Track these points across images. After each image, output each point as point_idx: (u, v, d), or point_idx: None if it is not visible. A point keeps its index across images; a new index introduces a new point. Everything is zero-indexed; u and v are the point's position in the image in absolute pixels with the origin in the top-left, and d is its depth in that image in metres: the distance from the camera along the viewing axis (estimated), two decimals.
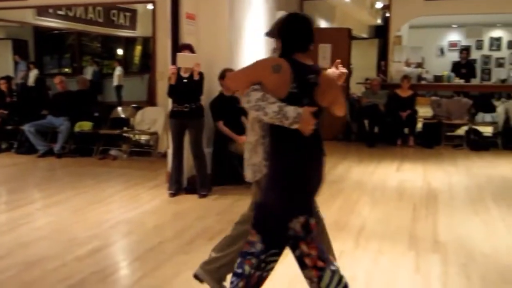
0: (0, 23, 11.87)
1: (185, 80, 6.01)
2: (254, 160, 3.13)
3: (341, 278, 2.92)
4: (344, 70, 3.18)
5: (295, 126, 2.73)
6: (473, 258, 4.18)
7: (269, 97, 2.80)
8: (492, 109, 10.57)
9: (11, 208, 5.89)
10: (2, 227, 5.08)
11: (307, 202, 2.95)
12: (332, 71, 3.16)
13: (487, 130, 10.10)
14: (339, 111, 3.08)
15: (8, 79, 10.38)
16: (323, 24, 12.63)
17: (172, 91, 6.09)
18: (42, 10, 11.17)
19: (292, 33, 2.92)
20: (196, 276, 3.37)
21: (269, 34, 3.17)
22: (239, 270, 2.82)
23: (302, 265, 2.88)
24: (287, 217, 2.86)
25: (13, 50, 12.42)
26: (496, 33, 16.52)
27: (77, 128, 8.99)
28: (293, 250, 2.90)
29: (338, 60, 3.26)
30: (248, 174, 3.17)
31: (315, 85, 2.85)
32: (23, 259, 4.19)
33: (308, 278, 2.88)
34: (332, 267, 2.89)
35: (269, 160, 2.95)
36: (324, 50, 10.61)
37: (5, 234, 4.86)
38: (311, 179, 2.93)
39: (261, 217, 2.93)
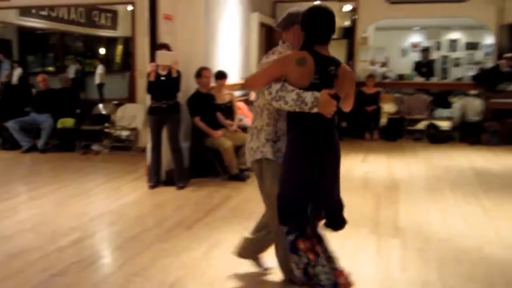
0: None
1: (163, 78, 5.99)
2: (252, 145, 3.23)
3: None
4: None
5: (315, 110, 2.76)
6: (430, 243, 4.27)
7: (288, 86, 2.85)
8: (449, 105, 10.75)
9: None
10: None
11: (319, 188, 2.91)
12: None
13: (445, 125, 10.22)
14: (348, 106, 3.15)
15: None
16: None
17: (151, 88, 6.05)
18: (25, 11, 10.97)
19: (316, 25, 2.91)
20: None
21: (278, 26, 3.21)
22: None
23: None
24: (308, 198, 2.87)
25: None
26: (454, 35, 16.72)
27: (59, 125, 8.89)
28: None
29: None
30: (246, 157, 3.28)
31: (335, 77, 2.89)
32: (6, 251, 4.14)
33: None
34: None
35: (287, 147, 2.99)
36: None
37: None
38: (325, 165, 2.92)
39: (282, 208, 2.91)
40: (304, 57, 2.83)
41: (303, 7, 3.16)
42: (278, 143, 3.16)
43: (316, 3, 11.94)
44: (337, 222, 3.12)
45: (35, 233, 4.59)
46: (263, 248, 3.56)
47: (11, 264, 3.84)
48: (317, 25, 2.92)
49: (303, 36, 2.97)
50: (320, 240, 3.00)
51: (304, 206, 2.86)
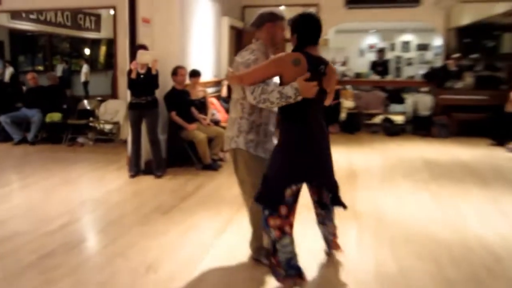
0: None
1: (142, 76, 5.98)
2: (228, 133, 3.32)
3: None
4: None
5: (299, 98, 2.87)
6: (384, 224, 4.32)
7: (267, 88, 2.94)
8: (402, 101, 10.89)
9: None
10: None
11: (306, 172, 3.07)
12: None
13: (399, 119, 10.31)
14: (329, 100, 3.33)
15: None
16: None
17: (132, 85, 6.04)
18: (16, 14, 10.81)
19: (307, 29, 3.04)
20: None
21: (252, 25, 3.30)
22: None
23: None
24: (286, 184, 3.00)
25: None
26: (406, 37, 16.90)
27: (48, 119, 8.79)
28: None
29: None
30: (225, 144, 3.35)
31: (324, 75, 3.00)
32: None
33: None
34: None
35: (279, 135, 3.11)
36: None
37: None
38: (311, 152, 3.04)
39: (264, 188, 3.06)
40: (299, 58, 2.92)
41: (273, 8, 3.33)
42: (250, 134, 3.23)
43: (282, 8, 12.07)
44: (339, 199, 3.38)
45: (26, 218, 4.56)
46: None
47: (3, 246, 3.82)
48: (308, 29, 3.04)
49: (295, 39, 3.06)
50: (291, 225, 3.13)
51: (281, 189, 2.99)
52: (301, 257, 3.16)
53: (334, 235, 3.58)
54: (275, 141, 3.30)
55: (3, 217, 4.60)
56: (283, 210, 3.02)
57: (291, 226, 3.10)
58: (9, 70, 11.20)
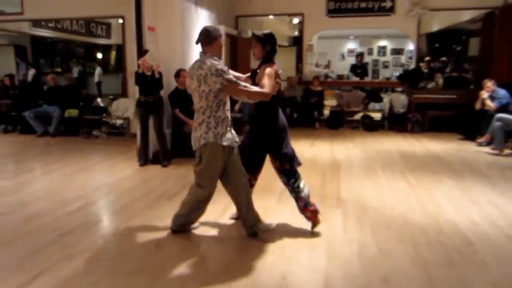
0: (4, 32, 11.42)
1: (149, 78, 5.99)
2: (196, 134, 3.36)
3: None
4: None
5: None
6: (365, 211, 4.24)
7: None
8: (380, 99, 10.88)
9: (15, 175, 5.75)
10: (8, 190, 4.98)
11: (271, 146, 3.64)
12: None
13: (377, 116, 10.28)
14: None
15: (11, 76, 10.09)
16: None
17: (138, 80, 6.01)
18: (36, 22, 10.79)
19: (274, 42, 3.55)
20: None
21: (204, 43, 3.41)
22: None
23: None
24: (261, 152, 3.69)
25: (15, 54, 11.96)
26: (382, 42, 16.91)
27: (66, 114, 8.85)
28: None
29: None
30: (192, 144, 3.41)
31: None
32: (23, 215, 4.13)
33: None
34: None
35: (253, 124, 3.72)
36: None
37: (10, 195, 4.77)
38: (276, 135, 3.62)
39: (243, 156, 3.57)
40: (277, 71, 3.45)
41: (212, 26, 3.62)
42: (217, 128, 3.33)
43: (270, 17, 12.04)
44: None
45: (47, 200, 4.58)
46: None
47: (28, 225, 3.85)
48: (275, 44, 3.56)
49: (266, 52, 3.52)
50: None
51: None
52: (290, 241, 3.17)
53: (300, 206, 3.78)
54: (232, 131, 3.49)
55: (27, 199, 4.63)
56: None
57: None
58: (31, 72, 11.20)
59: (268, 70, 3.41)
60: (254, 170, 3.76)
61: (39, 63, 12.56)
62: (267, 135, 3.60)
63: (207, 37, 3.36)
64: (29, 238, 3.57)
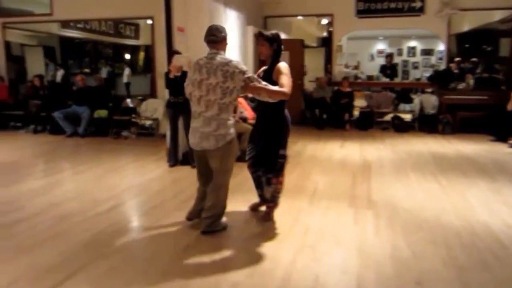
0: (33, 33, 11.64)
1: (178, 78, 5.98)
2: (220, 131, 3.50)
3: None
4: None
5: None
6: (397, 213, 4.21)
7: None
8: (410, 100, 10.75)
9: (45, 176, 5.82)
10: (40, 190, 5.03)
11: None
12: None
13: (407, 117, 10.16)
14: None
15: (40, 77, 10.22)
16: (282, 36, 12.55)
17: (169, 84, 6.03)
18: (65, 24, 10.98)
19: (281, 43, 3.77)
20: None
21: (216, 41, 3.54)
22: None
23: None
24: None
25: (44, 54, 12.18)
26: (412, 43, 16.68)
27: (96, 115, 8.94)
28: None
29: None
30: (216, 142, 3.51)
31: None
32: (55, 215, 4.17)
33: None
34: None
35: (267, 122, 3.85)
36: (284, 56, 10.43)
37: (41, 196, 4.81)
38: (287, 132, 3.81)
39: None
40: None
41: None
42: (233, 127, 3.56)
43: (299, 18, 12.01)
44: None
45: (78, 201, 4.62)
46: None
47: (60, 225, 3.88)
48: (281, 44, 3.78)
49: (273, 51, 3.72)
50: None
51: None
52: (322, 242, 3.11)
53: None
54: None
55: (58, 199, 4.67)
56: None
57: None
58: (60, 72, 11.39)
59: (284, 68, 3.61)
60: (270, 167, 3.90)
61: (67, 63, 12.78)
62: (280, 131, 3.79)
63: (220, 35, 3.50)
64: (62, 238, 3.60)
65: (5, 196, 4.76)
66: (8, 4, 10.34)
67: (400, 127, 9.63)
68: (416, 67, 16.59)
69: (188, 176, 5.67)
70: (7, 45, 10.45)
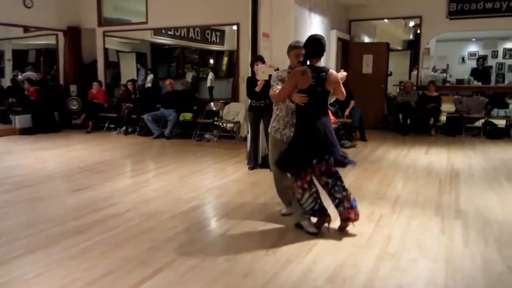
0: (128, 40, 12.46)
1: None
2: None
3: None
4: (345, 73, 3.97)
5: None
6: (489, 224, 3.98)
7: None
8: (505, 105, 10.04)
9: (135, 175, 6.20)
10: (130, 188, 5.35)
11: (316, 149, 3.65)
12: (340, 73, 3.92)
13: (501, 123, 9.54)
14: (340, 96, 3.86)
15: (133, 81, 10.87)
16: (366, 39, 12.34)
17: (252, 94, 6.07)
18: (156, 31, 11.58)
19: (309, 46, 3.70)
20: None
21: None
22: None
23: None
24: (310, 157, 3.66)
25: (136, 60, 12.96)
26: (509, 44, 15.58)
27: (181, 118, 9.29)
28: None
29: (342, 70, 4.11)
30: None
31: (325, 79, 3.62)
32: (144, 211, 4.40)
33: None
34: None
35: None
36: (367, 59, 10.41)
37: (131, 193, 5.12)
38: (317, 136, 3.63)
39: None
40: (305, 70, 3.61)
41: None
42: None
43: (385, 21, 11.69)
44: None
45: (165, 199, 4.84)
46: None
47: (149, 222, 4.10)
48: (311, 47, 3.69)
49: (305, 53, 3.72)
50: (312, 182, 3.78)
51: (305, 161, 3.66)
52: (405, 251, 3.00)
53: (346, 207, 3.76)
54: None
55: (148, 197, 4.95)
56: (303, 174, 3.73)
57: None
58: (150, 77, 12.04)
59: (288, 75, 3.81)
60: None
61: (157, 68, 13.47)
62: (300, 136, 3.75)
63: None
64: (151, 233, 3.80)
65: (100, 193, 5.11)
66: (110, 14, 11.18)
67: (493, 134, 9.09)
68: None
69: (267, 179, 5.66)
70: (106, 51, 11.28)
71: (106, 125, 10.50)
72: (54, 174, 6.14)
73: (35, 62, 14.23)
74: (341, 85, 3.80)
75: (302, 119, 3.71)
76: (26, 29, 11.60)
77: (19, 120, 9.99)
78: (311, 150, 3.63)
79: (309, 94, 3.60)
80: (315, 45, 3.68)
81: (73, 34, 11.01)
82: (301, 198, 3.74)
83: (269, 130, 4.05)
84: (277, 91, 3.82)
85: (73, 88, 10.62)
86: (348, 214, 3.75)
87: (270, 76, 5.72)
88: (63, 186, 5.64)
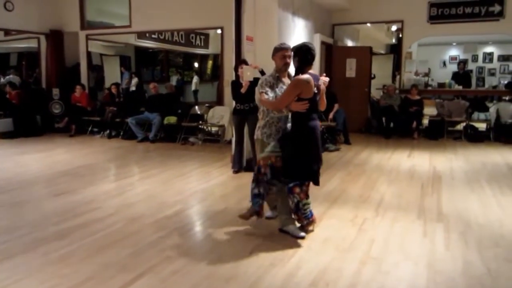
0: (111, 44, 12.36)
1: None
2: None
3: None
4: (327, 78, 3.88)
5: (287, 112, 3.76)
6: (470, 227, 4.02)
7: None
8: (486, 109, 10.18)
9: (118, 179, 6.13)
10: (113, 192, 5.29)
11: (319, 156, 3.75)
12: (322, 78, 3.82)
13: (481, 126, 9.68)
14: (322, 106, 3.88)
15: (117, 85, 10.78)
16: (349, 43, 12.42)
17: (237, 97, 6.09)
18: (140, 34, 11.52)
19: (303, 55, 3.65)
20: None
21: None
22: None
23: None
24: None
25: (120, 63, 12.85)
26: (489, 49, 15.84)
27: (166, 121, 9.25)
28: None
29: (324, 74, 4.04)
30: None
31: (319, 87, 3.68)
32: (127, 216, 4.35)
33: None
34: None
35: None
36: (351, 63, 10.47)
37: (114, 197, 5.06)
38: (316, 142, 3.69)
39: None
40: (309, 79, 3.55)
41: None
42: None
43: (368, 25, 11.79)
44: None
45: (148, 203, 4.79)
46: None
47: (132, 226, 4.05)
48: (306, 55, 3.64)
49: (296, 62, 3.68)
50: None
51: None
52: (389, 254, 3.00)
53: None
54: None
55: (131, 200, 4.90)
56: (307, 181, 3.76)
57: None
58: (135, 80, 11.94)
59: (291, 83, 3.65)
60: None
61: (141, 72, 13.38)
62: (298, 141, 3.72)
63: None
64: (133, 238, 3.76)
65: (83, 198, 5.04)
66: (93, 18, 11.08)
67: (474, 137, 9.22)
68: (492, 74, 15.77)
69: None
70: (89, 55, 11.15)
71: (90, 128, 10.38)
72: (35, 178, 6.03)
73: (17, 65, 14.03)
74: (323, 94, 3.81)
75: (303, 126, 3.65)
76: (7, 32, 11.43)
77: (0, 124, 9.82)
78: (317, 156, 3.71)
79: (310, 101, 3.58)
80: (309, 53, 3.66)
81: (56, 37, 10.89)
82: (304, 205, 3.72)
83: (259, 136, 3.90)
84: (271, 98, 3.72)
85: (55, 91, 10.49)
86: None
87: (255, 78, 5.82)
88: (44, 191, 5.54)
